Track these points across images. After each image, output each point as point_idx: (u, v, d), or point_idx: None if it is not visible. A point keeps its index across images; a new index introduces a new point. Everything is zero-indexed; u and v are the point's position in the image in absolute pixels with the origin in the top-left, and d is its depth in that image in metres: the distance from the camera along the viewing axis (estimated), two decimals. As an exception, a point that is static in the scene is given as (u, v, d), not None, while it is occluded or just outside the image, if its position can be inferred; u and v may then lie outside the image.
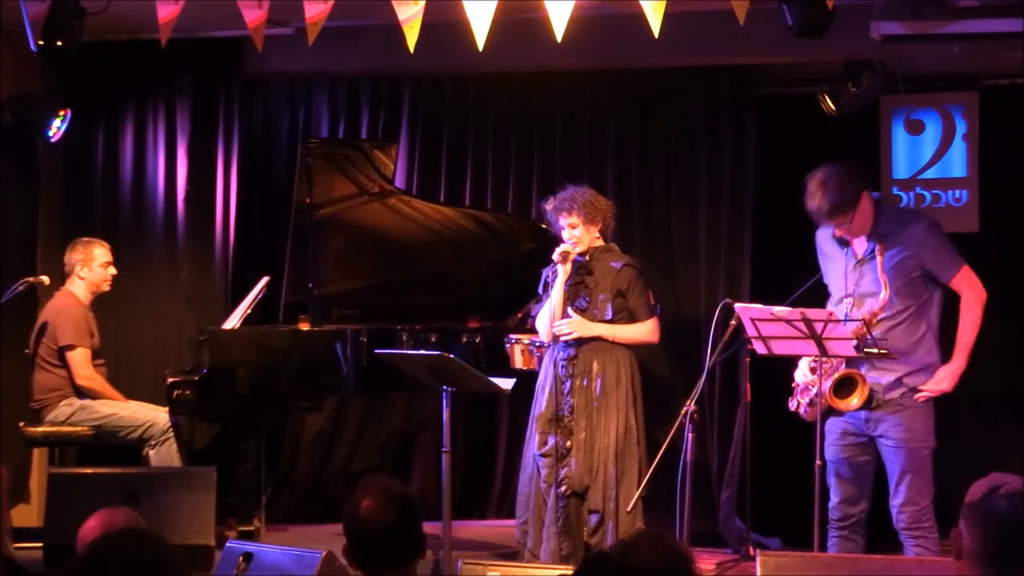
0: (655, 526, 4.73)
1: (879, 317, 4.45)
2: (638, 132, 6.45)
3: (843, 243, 4.66)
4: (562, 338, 4.89)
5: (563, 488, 4.83)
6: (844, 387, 4.50)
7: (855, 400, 4.48)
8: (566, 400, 4.89)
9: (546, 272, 5.07)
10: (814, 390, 4.57)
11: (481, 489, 6.54)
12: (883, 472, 4.61)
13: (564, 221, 4.97)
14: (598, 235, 5.01)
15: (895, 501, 4.51)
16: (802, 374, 4.70)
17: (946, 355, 4.59)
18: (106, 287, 5.92)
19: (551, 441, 4.87)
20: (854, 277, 4.59)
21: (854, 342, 4.39)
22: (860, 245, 4.61)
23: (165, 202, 6.39)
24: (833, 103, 5.92)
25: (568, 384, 4.90)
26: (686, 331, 6.04)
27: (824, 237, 4.74)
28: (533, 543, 4.90)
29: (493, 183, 6.52)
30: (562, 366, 4.92)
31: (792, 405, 4.73)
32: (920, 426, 4.51)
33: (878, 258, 4.45)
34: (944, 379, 4.53)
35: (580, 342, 4.92)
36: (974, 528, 2.30)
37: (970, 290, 4.57)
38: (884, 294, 4.41)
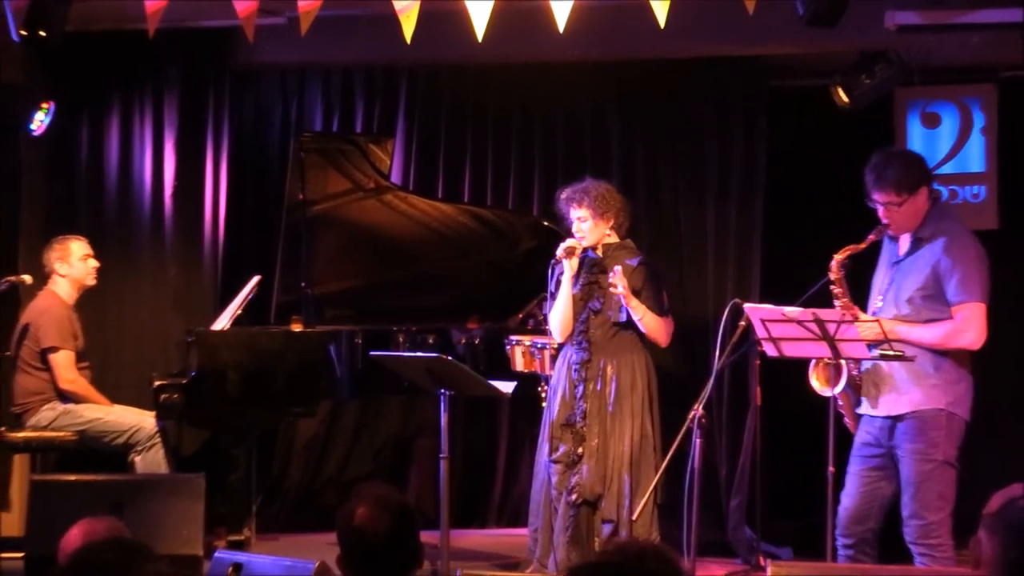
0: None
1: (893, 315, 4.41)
2: (643, 126, 6.44)
3: (893, 240, 4.59)
4: (613, 292, 4.80)
5: (574, 496, 4.84)
6: (826, 372, 4.49)
7: (842, 383, 4.44)
8: (579, 405, 4.89)
9: (556, 269, 5.06)
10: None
11: (480, 497, 6.52)
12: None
13: (574, 213, 4.97)
14: (610, 231, 4.99)
15: (903, 512, 4.48)
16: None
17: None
18: (91, 281, 5.91)
19: (563, 448, 4.88)
20: (890, 275, 4.54)
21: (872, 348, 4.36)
22: (904, 243, 4.53)
23: (152, 198, 6.39)
24: (846, 95, 5.91)
25: (581, 388, 4.90)
26: (693, 332, 5.97)
27: (886, 240, 4.65)
28: (541, 552, 4.91)
29: (493, 179, 6.51)
30: (575, 370, 4.92)
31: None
32: (934, 435, 4.43)
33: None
34: (875, 322, 4.38)
35: (595, 344, 4.91)
36: (994, 537, 2.34)
37: (967, 324, 4.37)
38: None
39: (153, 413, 5.59)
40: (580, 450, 4.85)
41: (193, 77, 6.38)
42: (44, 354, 5.73)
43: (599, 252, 5.00)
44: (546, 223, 5.92)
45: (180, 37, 6.11)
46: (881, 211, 4.47)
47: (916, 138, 6.33)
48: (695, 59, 6.26)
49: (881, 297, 4.53)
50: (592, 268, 4.99)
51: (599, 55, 6.17)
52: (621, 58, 6.27)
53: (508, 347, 5.60)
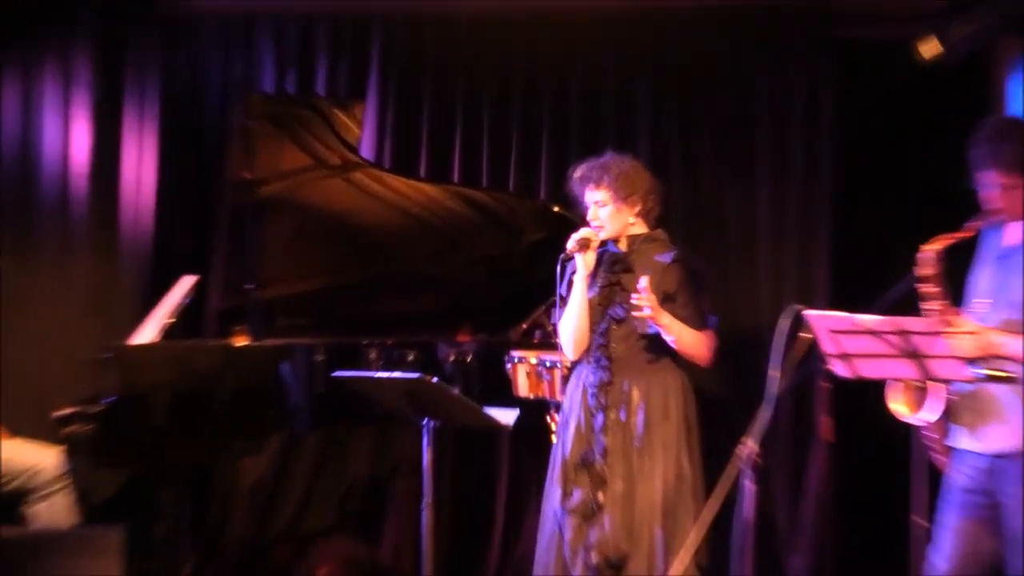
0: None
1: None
2: (680, 88, 6.46)
3: (997, 228, 4.49)
4: (638, 316, 4.71)
5: (593, 555, 4.71)
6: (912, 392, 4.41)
7: (927, 412, 4.33)
8: (597, 439, 4.76)
9: (568, 266, 4.95)
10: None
11: (473, 554, 6.46)
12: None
13: (590, 196, 4.83)
14: (634, 220, 4.87)
15: (1007, 573, 4.36)
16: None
17: None
18: (-17, 282, 5.84)
19: (578, 494, 4.76)
20: (994, 272, 4.41)
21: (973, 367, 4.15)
22: (1014, 233, 4.41)
23: (60, 178, 6.43)
24: (934, 49, 5.91)
25: (600, 418, 4.77)
26: (742, 347, 5.95)
27: (984, 230, 4.58)
28: (554, 626, 4.78)
29: (489, 154, 6.52)
30: (592, 394, 4.79)
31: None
32: None
33: None
34: (973, 332, 4.24)
35: (617, 362, 4.80)
36: None
37: None
38: None
39: (57, 449, 5.55)
40: (600, 496, 4.74)
41: (112, 26, 6.40)
42: (-78, 375, 5.64)
43: (622, 245, 4.87)
44: (556, 209, 5.88)
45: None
46: (990, 193, 4.35)
47: (1022, 100, 6.26)
48: (745, 5, 6.34)
49: (984, 300, 4.39)
50: (613, 266, 4.85)
51: (624, 1, 6.28)
52: (651, 4, 6.36)
53: (509, 365, 5.59)
